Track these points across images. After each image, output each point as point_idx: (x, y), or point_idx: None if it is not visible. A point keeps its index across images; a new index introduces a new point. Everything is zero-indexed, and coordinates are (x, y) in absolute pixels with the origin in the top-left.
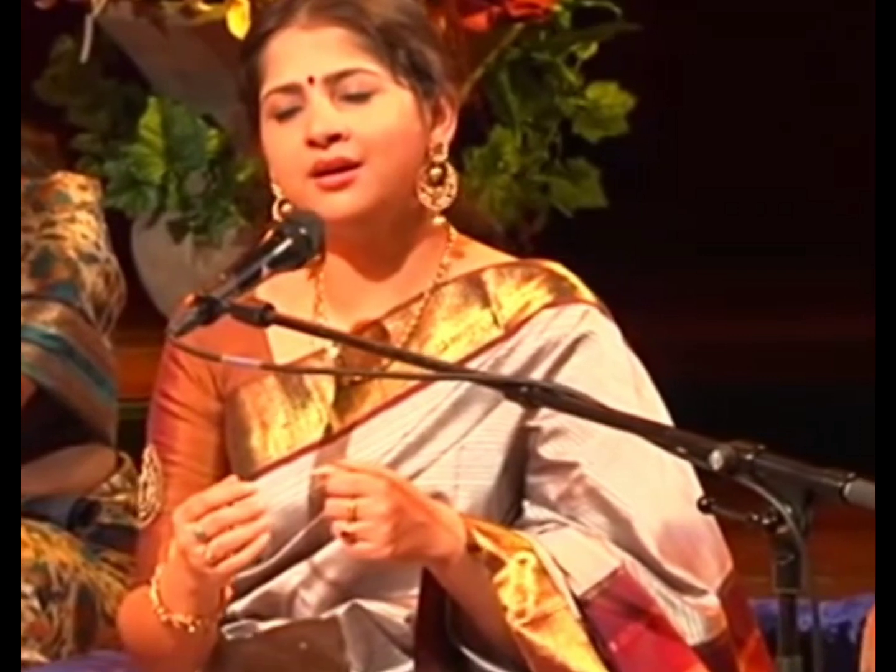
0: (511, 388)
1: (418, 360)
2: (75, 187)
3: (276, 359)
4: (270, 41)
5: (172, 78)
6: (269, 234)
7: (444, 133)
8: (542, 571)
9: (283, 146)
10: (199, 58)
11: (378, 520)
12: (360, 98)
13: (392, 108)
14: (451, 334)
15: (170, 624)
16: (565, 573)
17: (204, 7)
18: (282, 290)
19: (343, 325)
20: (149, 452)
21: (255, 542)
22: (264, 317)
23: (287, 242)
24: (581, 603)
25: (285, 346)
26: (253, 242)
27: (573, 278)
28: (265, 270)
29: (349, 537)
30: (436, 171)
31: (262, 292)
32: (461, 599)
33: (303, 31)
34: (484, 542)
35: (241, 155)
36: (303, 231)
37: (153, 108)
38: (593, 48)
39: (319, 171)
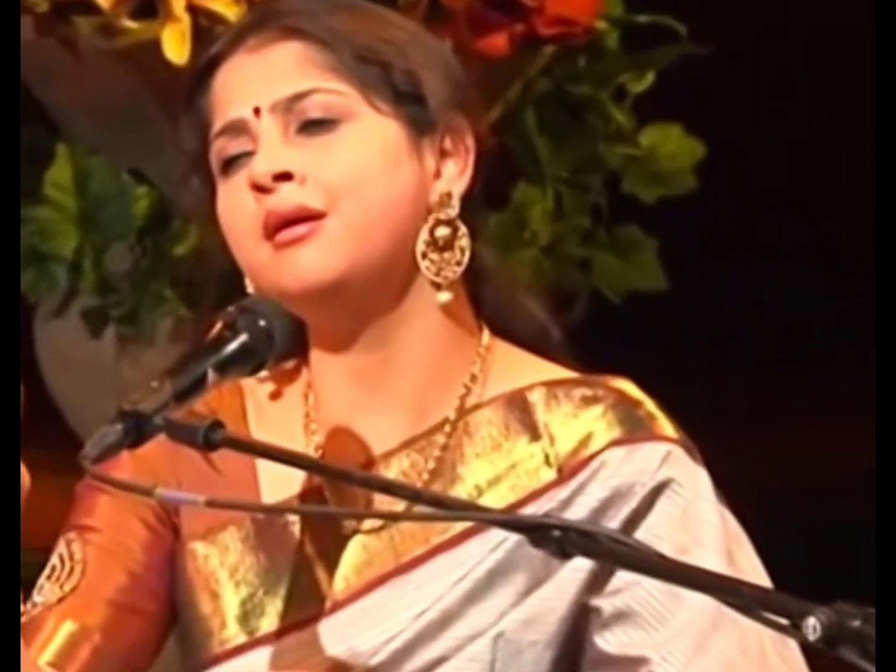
0: (539, 531)
1: (416, 496)
2: None
3: (265, 494)
4: (215, 75)
5: (88, 119)
6: (218, 326)
7: (456, 181)
8: None
9: (229, 204)
10: (123, 92)
11: None
12: (324, 126)
13: (367, 137)
14: (487, 476)
15: None
16: None
17: (130, 25)
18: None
19: (341, 461)
20: (57, 549)
21: None
22: (210, 438)
23: (241, 338)
24: None
25: (276, 478)
26: (196, 338)
27: (650, 404)
28: (212, 375)
29: None
30: (442, 232)
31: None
32: None
33: (250, 55)
34: None
35: (180, 221)
36: (262, 323)
37: (63, 160)
38: (649, 79)
39: (273, 227)
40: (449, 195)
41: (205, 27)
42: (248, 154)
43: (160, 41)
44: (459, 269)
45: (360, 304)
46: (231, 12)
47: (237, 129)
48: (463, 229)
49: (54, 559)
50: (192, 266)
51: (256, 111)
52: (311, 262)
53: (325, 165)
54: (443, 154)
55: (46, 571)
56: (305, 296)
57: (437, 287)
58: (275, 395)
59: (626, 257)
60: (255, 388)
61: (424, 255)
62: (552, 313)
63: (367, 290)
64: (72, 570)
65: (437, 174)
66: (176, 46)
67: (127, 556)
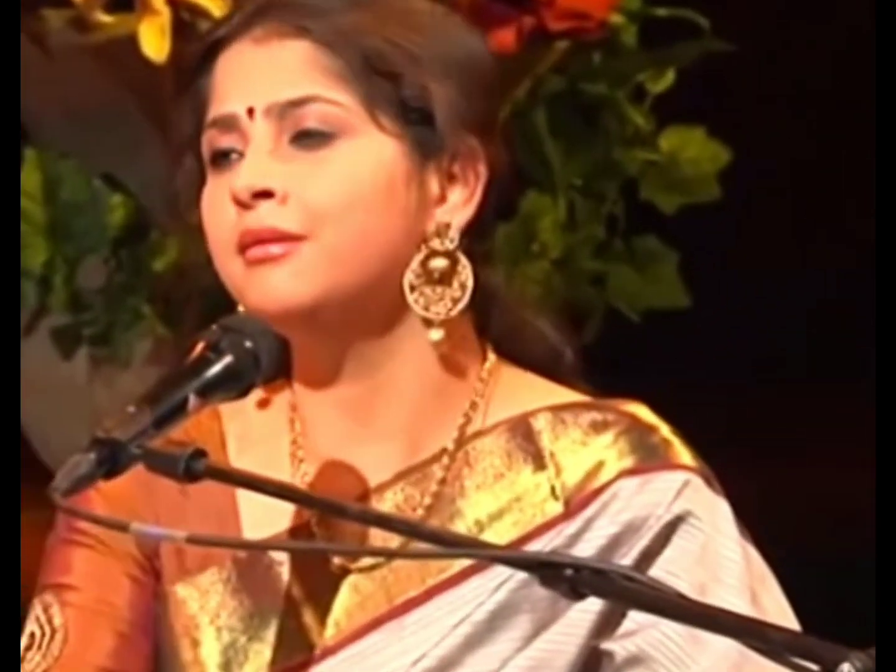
0: (549, 569)
1: (414, 532)
2: None
3: (247, 530)
4: (218, 59)
5: (59, 121)
6: (200, 347)
7: (459, 210)
8: None
9: (212, 206)
10: (97, 92)
11: None
12: (319, 140)
13: (361, 157)
14: (489, 510)
15: None
16: None
17: (105, 18)
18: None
19: (332, 492)
20: (33, 613)
21: None
22: (192, 468)
23: (225, 360)
24: None
25: (260, 513)
26: (176, 360)
27: (665, 430)
28: (194, 400)
29: None
30: (438, 264)
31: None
32: None
33: (254, 46)
34: None
35: (159, 232)
36: (247, 344)
37: (31, 165)
38: (670, 78)
39: (247, 244)
40: (447, 226)
41: (186, 21)
42: (238, 153)
43: (137, 36)
44: (455, 308)
45: (340, 330)
46: (215, 6)
47: (228, 124)
48: (464, 262)
49: (31, 626)
50: (171, 281)
51: (250, 111)
52: (282, 284)
53: (312, 185)
54: (450, 178)
55: (25, 641)
56: (277, 318)
57: (428, 324)
58: (263, 404)
59: (645, 271)
60: (235, 411)
61: (413, 288)
62: (564, 333)
63: (345, 318)
64: (52, 636)
65: (442, 199)
66: (154, 42)
67: (112, 615)
